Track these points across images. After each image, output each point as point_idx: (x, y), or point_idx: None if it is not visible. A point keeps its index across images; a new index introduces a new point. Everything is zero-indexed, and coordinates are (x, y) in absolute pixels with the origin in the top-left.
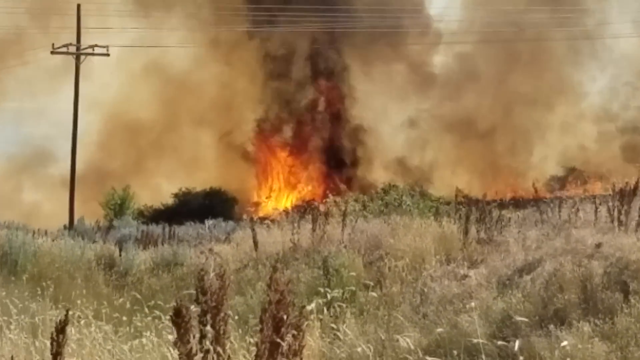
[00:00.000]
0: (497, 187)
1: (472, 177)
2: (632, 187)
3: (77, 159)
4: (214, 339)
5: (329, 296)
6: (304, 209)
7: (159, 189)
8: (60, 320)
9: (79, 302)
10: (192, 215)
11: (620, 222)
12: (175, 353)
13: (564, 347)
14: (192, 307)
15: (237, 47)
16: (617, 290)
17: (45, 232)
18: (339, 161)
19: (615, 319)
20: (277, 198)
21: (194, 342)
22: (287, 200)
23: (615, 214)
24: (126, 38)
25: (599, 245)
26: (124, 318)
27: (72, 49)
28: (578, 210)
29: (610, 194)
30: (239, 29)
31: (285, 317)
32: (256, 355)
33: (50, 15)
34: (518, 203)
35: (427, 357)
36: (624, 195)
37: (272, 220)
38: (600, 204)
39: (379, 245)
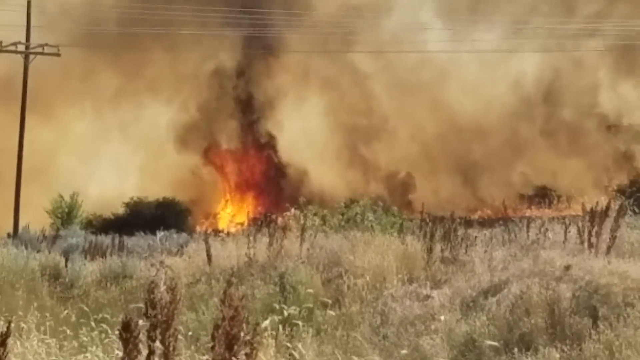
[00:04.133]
0: (465, 204)
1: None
2: (603, 207)
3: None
4: (164, 355)
5: (285, 313)
6: (260, 222)
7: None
8: (1, 333)
9: (21, 313)
10: (144, 226)
11: (590, 244)
12: None
13: None
14: (141, 322)
15: None
16: (585, 315)
17: None
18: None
19: (583, 346)
20: (232, 211)
21: (142, 358)
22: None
23: (586, 235)
24: None
25: (567, 268)
26: (69, 332)
27: (21, 47)
28: (547, 230)
29: (580, 215)
30: None
31: (238, 334)
32: None
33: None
34: (485, 221)
35: None
36: (595, 216)
37: (227, 234)
38: (570, 225)
39: (339, 262)
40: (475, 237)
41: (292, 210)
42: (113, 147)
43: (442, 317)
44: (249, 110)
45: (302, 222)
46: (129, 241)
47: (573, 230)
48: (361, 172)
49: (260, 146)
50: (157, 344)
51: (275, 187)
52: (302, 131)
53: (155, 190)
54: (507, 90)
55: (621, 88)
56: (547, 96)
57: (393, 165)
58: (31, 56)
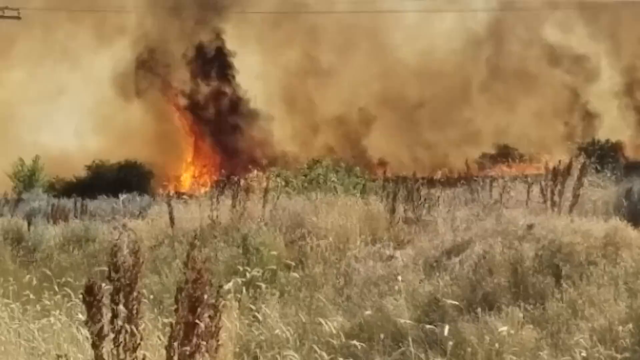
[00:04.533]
0: (426, 163)
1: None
2: (565, 166)
3: None
4: (127, 319)
5: (248, 275)
6: (223, 185)
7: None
8: None
9: None
10: (106, 189)
11: (553, 203)
12: (85, 333)
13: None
14: (104, 285)
15: None
16: (548, 274)
17: None
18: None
19: (547, 304)
20: (194, 172)
21: (105, 322)
22: (203, 175)
23: (548, 194)
24: None
25: (530, 227)
26: (32, 296)
27: None
28: (509, 189)
29: (543, 174)
30: None
31: (202, 296)
32: (170, 337)
33: None
34: (448, 181)
35: (351, 342)
36: (557, 175)
37: (190, 196)
38: (532, 184)
39: (302, 224)
40: (438, 197)
41: (255, 172)
42: (71, 106)
43: (400, 278)
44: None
45: (264, 184)
46: (92, 204)
47: (536, 189)
48: (309, 118)
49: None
50: (121, 307)
51: (233, 134)
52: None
53: (116, 152)
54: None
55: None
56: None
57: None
58: None
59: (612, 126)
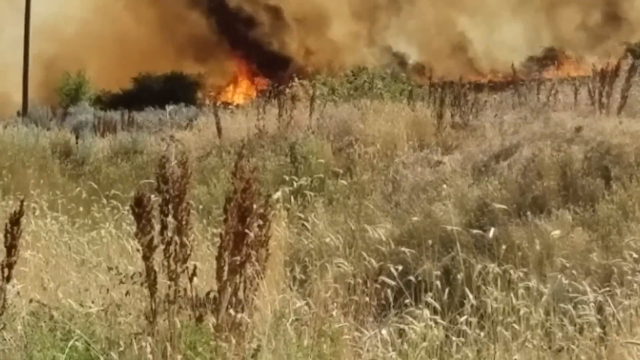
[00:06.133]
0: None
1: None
2: (613, 67)
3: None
4: (176, 230)
5: (296, 184)
6: (269, 94)
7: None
8: (14, 212)
9: (33, 192)
10: (153, 100)
11: (601, 105)
12: (135, 245)
13: (544, 236)
14: (153, 197)
15: None
16: (598, 176)
17: None
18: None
19: (596, 207)
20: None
21: (155, 233)
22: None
23: (596, 96)
24: None
25: (579, 129)
26: (81, 209)
27: None
28: (557, 92)
29: (590, 76)
30: None
31: (251, 206)
32: (220, 247)
33: None
34: (495, 86)
35: (400, 248)
36: (605, 77)
37: (237, 106)
38: (580, 86)
39: (349, 131)
40: (485, 101)
41: (298, 80)
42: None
43: (445, 186)
44: None
45: (310, 92)
46: (139, 116)
47: (583, 91)
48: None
49: None
50: (170, 218)
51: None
52: None
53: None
54: None
55: None
56: None
57: None
58: None
59: None
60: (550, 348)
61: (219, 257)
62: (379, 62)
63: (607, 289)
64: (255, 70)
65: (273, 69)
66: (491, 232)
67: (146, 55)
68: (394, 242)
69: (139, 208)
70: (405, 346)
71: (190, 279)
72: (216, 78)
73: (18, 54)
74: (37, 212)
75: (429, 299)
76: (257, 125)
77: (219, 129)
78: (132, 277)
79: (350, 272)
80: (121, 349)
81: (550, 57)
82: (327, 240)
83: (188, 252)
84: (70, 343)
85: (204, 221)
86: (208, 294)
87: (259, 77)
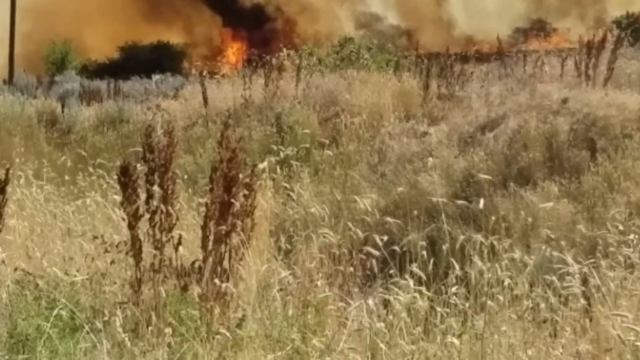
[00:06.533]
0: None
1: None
2: (599, 39)
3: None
4: (162, 199)
5: (282, 154)
6: (255, 63)
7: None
8: (0, 180)
9: (18, 160)
10: (139, 70)
11: (587, 77)
12: (120, 213)
13: (529, 207)
14: (139, 166)
15: None
16: (583, 147)
17: None
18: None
19: (582, 178)
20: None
21: (140, 202)
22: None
23: (583, 68)
24: None
25: (565, 101)
26: (67, 178)
27: None
28: (543, 64)
29: (577, 48)
30: None
31: (237, 175)
32: (206, 216)
33: None
34: (481, 57)
35: (385, 218)
36: (592, 48)
37: (223, 75)
38: (566, 58)
39: (335, 102)
40: (472, 72)
41: (285, 50)
42: None
43: (431, 159)
44: None
45: (297, 62)
46: (125, 85)
47: (570, 63)
48: None
49: None
50: (156, 187)
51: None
52: None
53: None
54: None
55: None
56: None
57: None
58: None
59: None
60: (534, 319)
61: (204, 227)
62: (363, 28)
63: (592, 260)
64: (241, 37)
65: (252, 28)
66: (481, 203)
67: (132, 25)
68: (379, 212)
69: (125, 177)
70: (391, 317)
71: (176, 248)
72: (202, 48)
73: (4, 21)
74: (23, 181)
75: (415, 269)
76: (243, 95)
77: (205, 99)
78: (117, 246)
79: (336, 242)
80: (106, 317)
81: (537, 29)
82: (313, 210)
83: (173, 221)
84: (55, 312)
85: (190, 190)
86: (193, 263)
87: (243, 43)
